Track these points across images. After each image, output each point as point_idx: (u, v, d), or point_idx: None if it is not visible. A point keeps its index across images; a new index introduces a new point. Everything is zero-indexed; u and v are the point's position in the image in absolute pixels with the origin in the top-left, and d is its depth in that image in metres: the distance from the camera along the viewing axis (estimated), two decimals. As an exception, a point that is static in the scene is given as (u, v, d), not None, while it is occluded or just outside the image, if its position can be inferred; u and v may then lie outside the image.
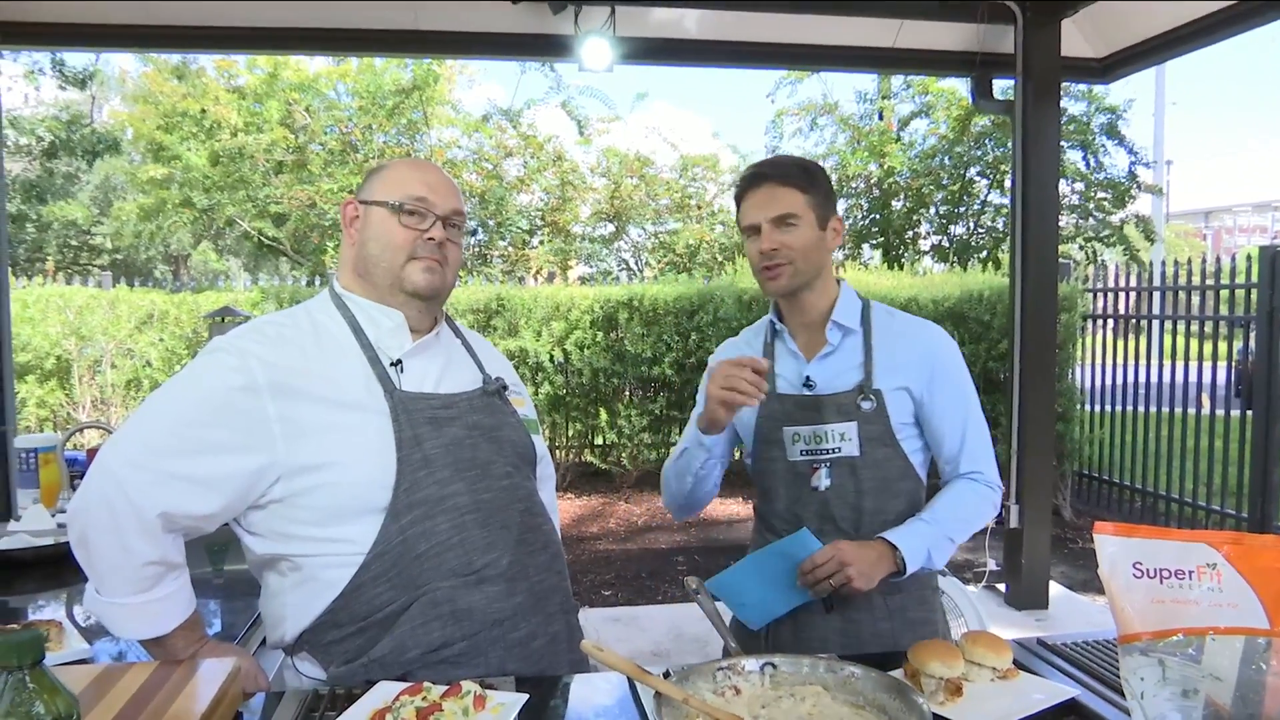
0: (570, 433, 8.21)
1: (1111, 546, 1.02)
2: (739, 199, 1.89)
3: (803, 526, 1.80)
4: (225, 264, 21.36)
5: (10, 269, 9.98)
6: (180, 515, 1.45)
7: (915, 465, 1.87)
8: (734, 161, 12.08)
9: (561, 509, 7.49)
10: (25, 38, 4.59)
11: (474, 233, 11.03)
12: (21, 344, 7.25)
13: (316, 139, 11.18)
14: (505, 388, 1.74)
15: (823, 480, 1.84)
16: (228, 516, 1.51)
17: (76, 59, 12.02)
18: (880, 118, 11.22)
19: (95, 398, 7.63)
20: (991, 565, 5.06)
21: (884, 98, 11.12)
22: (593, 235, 11.76)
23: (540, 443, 1.81)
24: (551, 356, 7.58)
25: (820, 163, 11.33)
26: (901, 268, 9.65)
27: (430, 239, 1.61)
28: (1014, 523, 4.76)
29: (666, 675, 1.48)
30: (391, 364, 1.58)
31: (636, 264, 12.17)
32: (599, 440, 8.16)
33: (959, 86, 10.15)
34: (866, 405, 1.81)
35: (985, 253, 10.67)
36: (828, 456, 1.84)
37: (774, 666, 1.33)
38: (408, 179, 1.62)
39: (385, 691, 1.36)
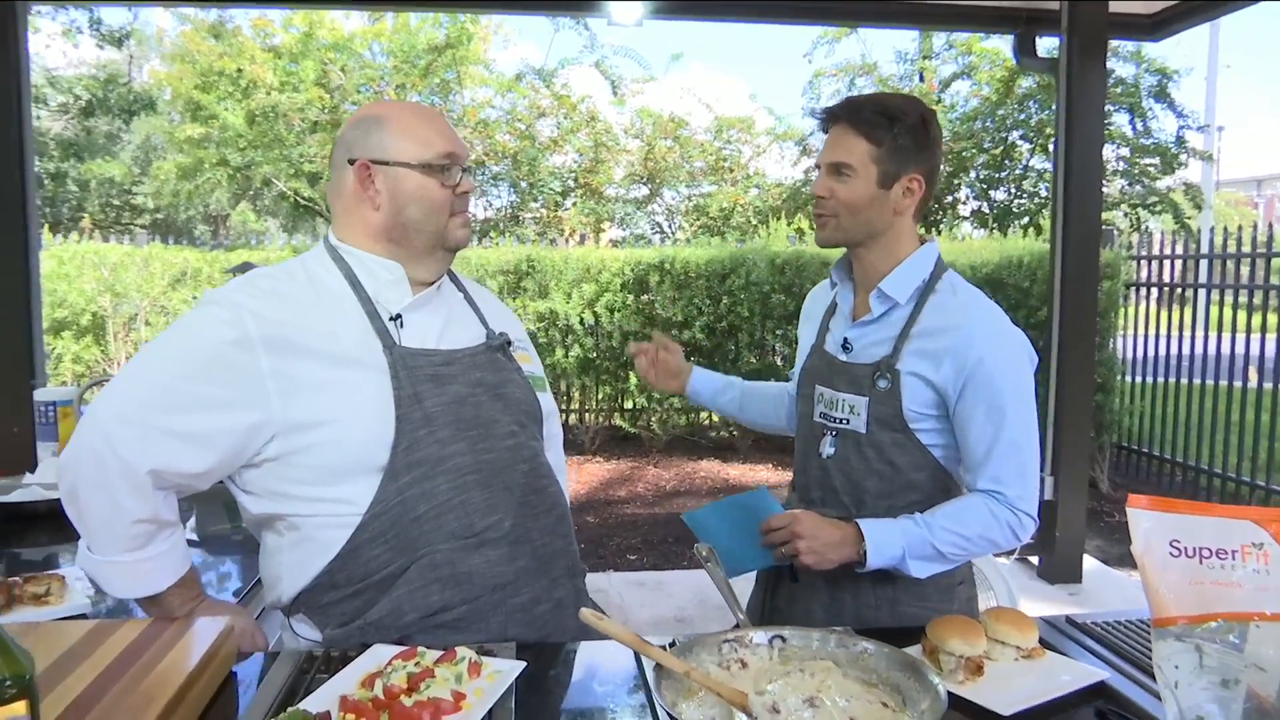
0: (600, 396, 8.17)
1: (1146, 522, 0.93)
2: (825, 132, 1.76)
3: (809, 486, 1.77)
4: (264, 224, 21.48)
5: (48, 225, 10.10)
6: (170, 472, 1.41)
7: (938, 458, 1.70)
8: (770, 124, 11.88)
9: (590, 472, 7.47)
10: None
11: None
12: (58, 300, 7.32)
13: (350, 99, 11.14)
14: (510, 343, 1.67)
15: (827, 448, 1.76)
16: (221, 474, 1.47)
17: (114, 18, 12.04)
18: (921, 79, 10.95)
19: (130, 354, 7.71)
20: (1024, 537, 4.96)
21: (925, 58, 10.85)
22: (626, 197, 11.64)
23: (547, 400, 1.75)
24: (582, 319, 7.52)
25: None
26: (939, 233, 9.44)
27: (465, 192, 1.57)
28: (1048, 494, 4.64)
29: (673, 644, 1.43)
30: (391, 319, 1.52)
31: (670, 227, 12.05)
32: (629, 404, 8.12)
33: (1003, 47, 9.85)
34: (882, 384, 1.67)
35: (1027, 218, 10.42)
36: (836, 426, 1.75)
37: (783, 640, 1.27)
38: (430, 135, 1.54)
39: (379, 655, 1.32)
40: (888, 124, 1.64)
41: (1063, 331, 4.65)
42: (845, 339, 1.77)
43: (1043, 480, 4.65)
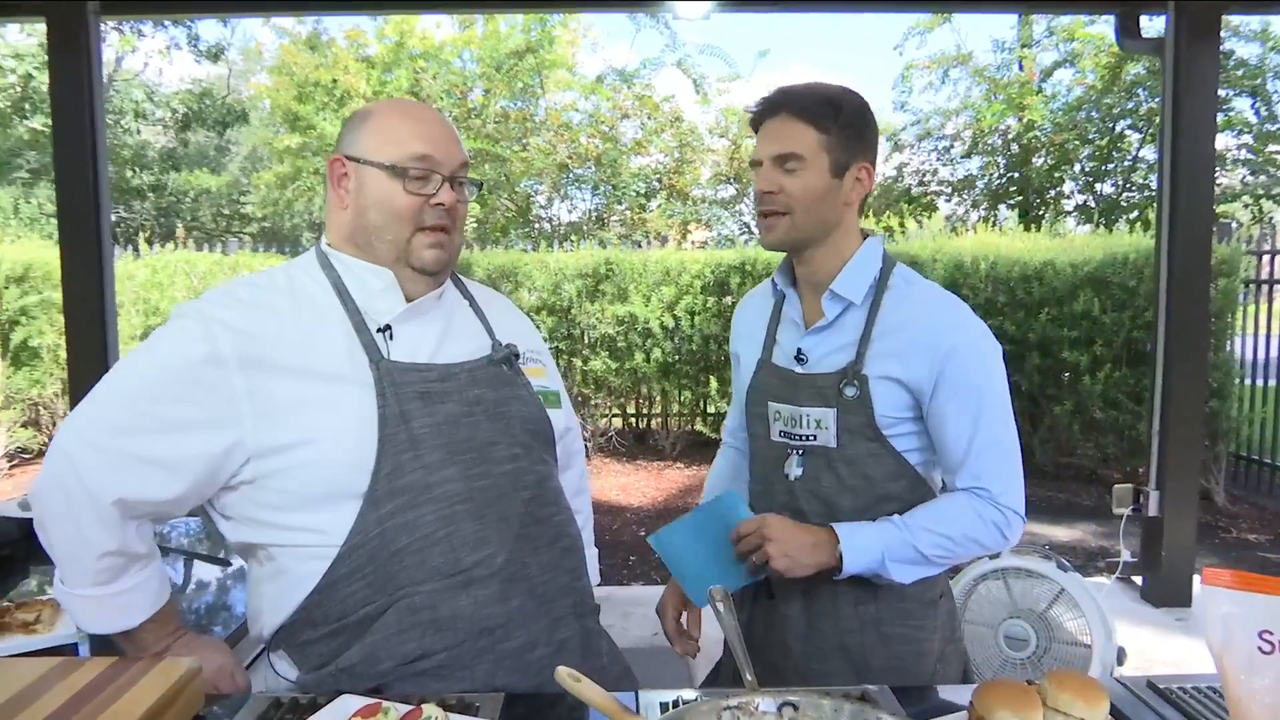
0: (681, 400, 8.00)
1: (1227, 605, 0.71)
2: (754, 129, 1.63)
3: (773, 511, 1.60)
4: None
5: (145, 236, 10.48)
6: (139, 501, 1.30)
7: (914, 465, 1.58)
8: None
9: (669, 479, 7.30)
10: (128, 7, 4.65)
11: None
12: (151, 308, 7.53)
13: (434, 105, 11.23)
14: (517, 355, 1.52)
15: (794, 468, 1.61)
16: (196, 500, 1.36)
17: (210, 34, 12.42)
18: (1020, 68, 10.44)
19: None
20: (1126, 555, 4.57)
21: (1024, 46, 10.33)
22: (713, 198, 11.44)
23: (564, 417, 1.59)
24: (662, 322, 7.36)
25: (951, 118, 10.73)
26: (1039, 229, 8.95)
27: (439, 204, 1.40)
28: (1153, 509, 4.27)
29: (675, 704, 1.26)
30: (379, 330, 1.39)
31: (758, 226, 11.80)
32: (710, 409, 7.92)
33: (1108, 32, 9.30)
34: (850, 392, 1.54)
35: (1136, 213, 9.82)
36: (802, 444, 1.60)
37: (794, 708, 1.08)
38: (405, 134, 1.39)
39: (342, 709, 1.18)
40: (833, 111, 1.54)
41: (1170, 334, 4.27)
42: (799, 349, 1.63)
43: (1145, 494, 4.28)
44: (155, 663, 1.32)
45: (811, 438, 1.59)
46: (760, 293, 1.81)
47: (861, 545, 1.49)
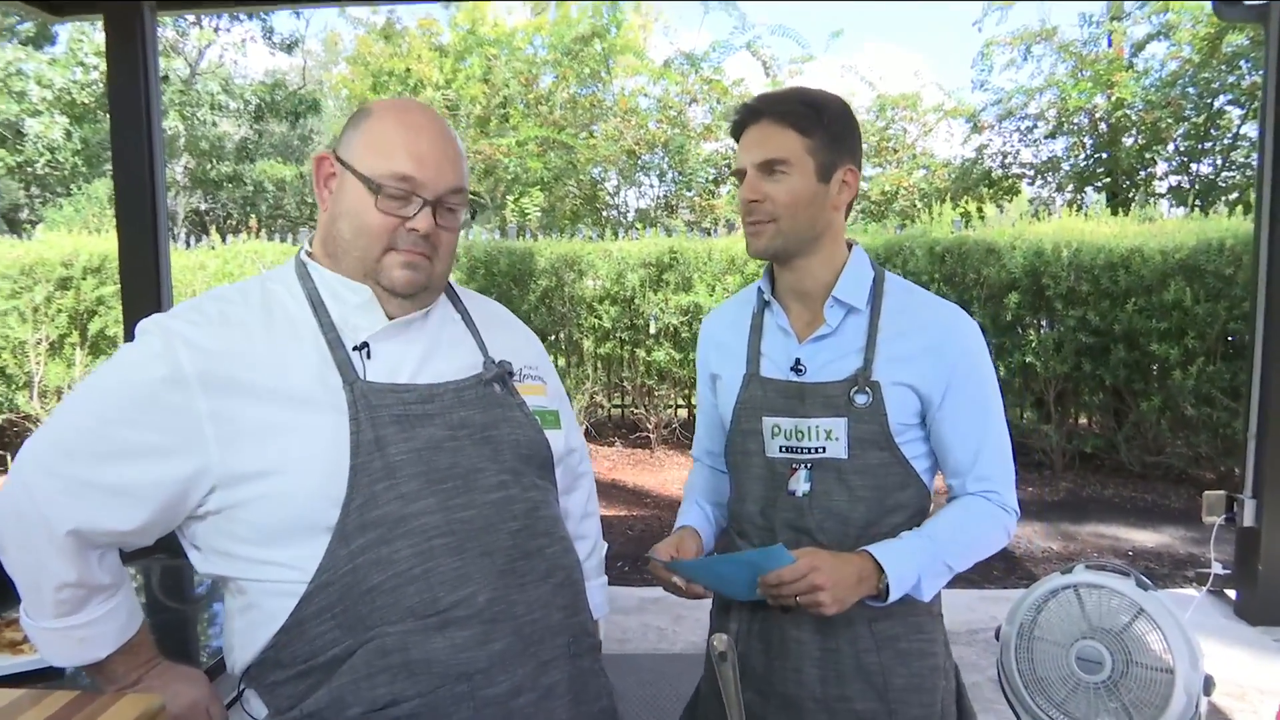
0: (746, 392, 7.81)
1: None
2: (735, 137, 1.58)
3: (775, 533, 1.54)
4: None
5: (216, 227, 10.71)
6: (95, 532, 1.20)
7: (919, 472, 1.54)
8: (938, 99, 11.13)
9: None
10: (183, 2, 4.65)
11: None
12: (223, 298, 7.66)
13: (500, 93, 11.22)
14: (511, 373, 1.39)
15: (801, 484, 1.53)
16: (163, 530, 1.26)
17: (283, 26, 12.61)
18: (1109, 43, 9.92)
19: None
20: (1218, 568, 4.25)
21: (1114, 19, 9.81)
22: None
23: (566, 438, 1.46)
24: (725, 312, 7.18)
25: (1035, 96, 10.30)
26: (1127, 213, 8.49)
27: (414, 230, 1.27)
28: (1248, 519, 3.96)
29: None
30: (355, 348, 1.27)
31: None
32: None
33: (1206, 3, 8.77)
34: (861, 400, 1.49)
35: (1236, 194, 9.25)
36: (809, 457, 1.52)
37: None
38: (394, 148, 1.26)
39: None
40: (815, 114, 1.51)
41: (1269, 325, 3.94)
42: (797, 359, 1.56)
43: (1240, 501, 3.97)
44: (117, 699, 1.24)
45: (820, 450, 1.52)
46: (735, 304, 1.72)
47: (904, 571, 1.45)
